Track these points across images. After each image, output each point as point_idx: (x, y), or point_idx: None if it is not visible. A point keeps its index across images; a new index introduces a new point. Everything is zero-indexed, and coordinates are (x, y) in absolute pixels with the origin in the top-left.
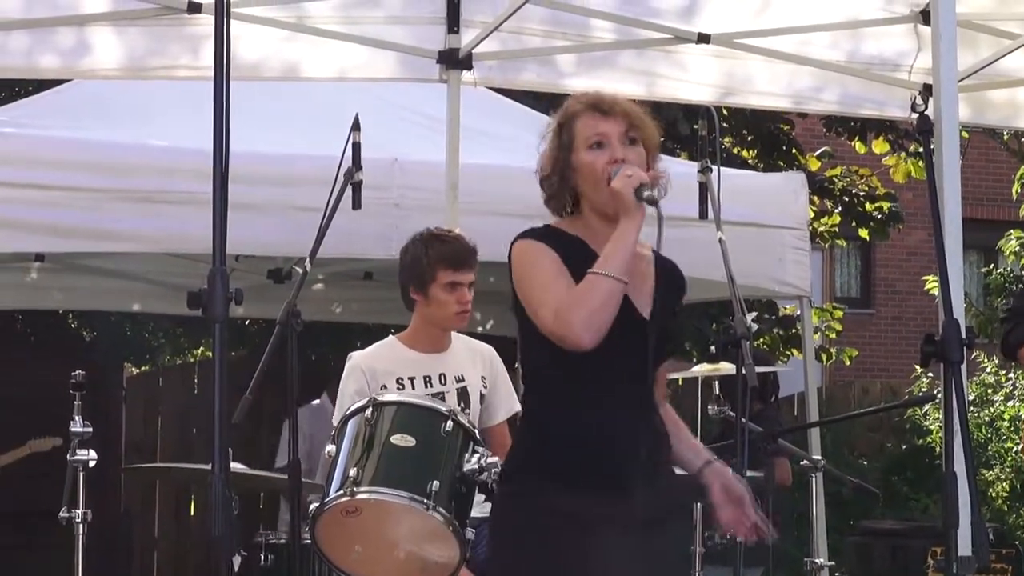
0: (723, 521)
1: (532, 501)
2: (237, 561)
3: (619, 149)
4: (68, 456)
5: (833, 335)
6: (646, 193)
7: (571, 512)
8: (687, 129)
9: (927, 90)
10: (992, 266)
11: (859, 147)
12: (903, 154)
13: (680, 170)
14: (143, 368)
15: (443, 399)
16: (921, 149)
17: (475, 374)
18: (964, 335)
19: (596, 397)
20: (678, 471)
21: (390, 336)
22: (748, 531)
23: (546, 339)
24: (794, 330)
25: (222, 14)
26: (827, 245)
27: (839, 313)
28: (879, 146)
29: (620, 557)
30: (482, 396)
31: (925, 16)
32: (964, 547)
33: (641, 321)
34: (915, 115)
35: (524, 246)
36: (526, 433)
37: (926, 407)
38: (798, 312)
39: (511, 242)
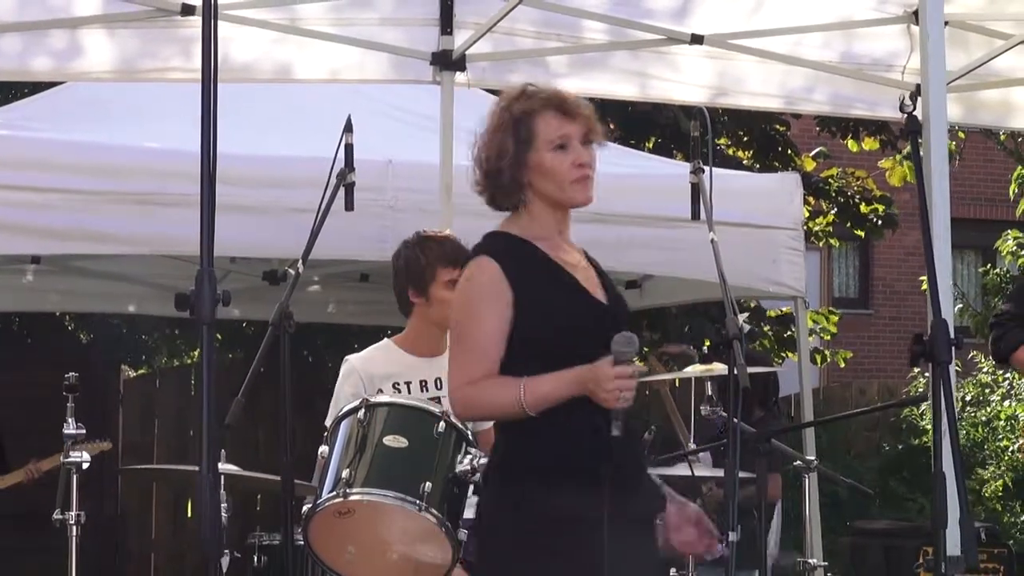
0: (679, 544)
1: (517, 502)
2: (225, 562)
3: (582, 152)
4: (61, 458)
5: (828, 337)
6: (615, 427)
7: (558, 510)
8: (688, 126)
9: (920, 91)
10: (989, 266)
11: (851, 145)
12: (898, 156)
13: (674, 171)
14: (140, 370)
15: (439, 403)
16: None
17: None
18: (952, 335)
19: (578, 401)
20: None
21: (385, 339)
22: (706, 546)
23: (524, 340)
24: (788, 333)
25: (210, 16)
26: (821, 244)
27: (835, 317)
28: (869, 143)
29: (606, 555)
30: None
31: (918, 16)
32: (953, 547)
33: (601, 306)
34: (904, 115)
35: (478, 270)
36: (507, 433)
37: (922, 407)
38: (794, 318)
39: (472, 251)
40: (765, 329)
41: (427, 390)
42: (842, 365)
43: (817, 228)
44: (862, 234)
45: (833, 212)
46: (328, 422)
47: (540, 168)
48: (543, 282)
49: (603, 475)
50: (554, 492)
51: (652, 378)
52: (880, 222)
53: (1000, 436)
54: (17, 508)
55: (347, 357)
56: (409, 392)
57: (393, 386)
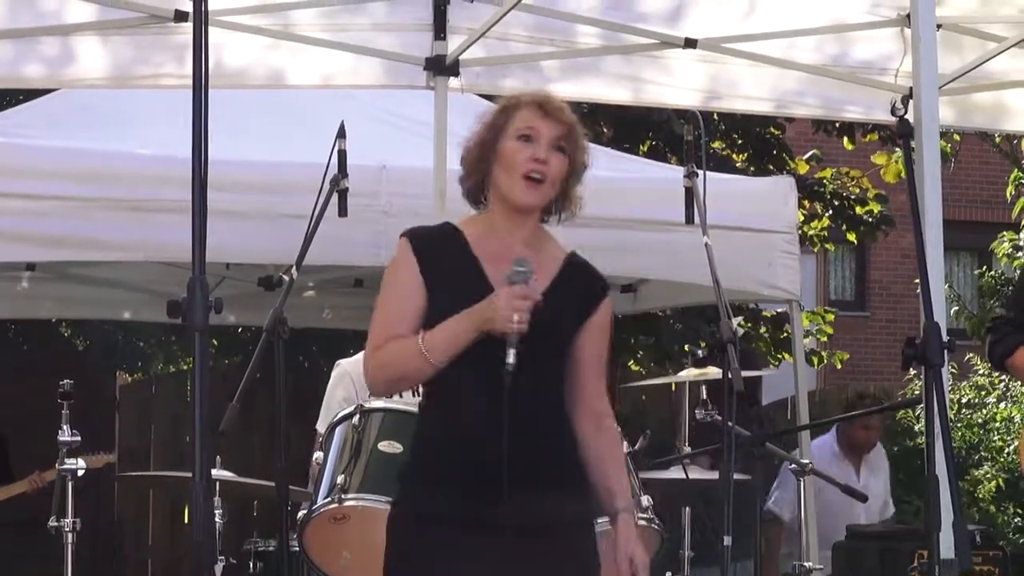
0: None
1: (404, 507)
2: (219, 568)
3: (544, 150)
4: (57, 465)
5: (824, 338)
6: (509, 362)
7: (431, 517)
8: (680, 128)
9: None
10: (985, 268)
11: (848, 144)
12: (895, 154)
13: (668, 175)
14: (136, 376)
15: None
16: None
17: None
18: (945, 338)
19: (459, 398)
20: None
21: None
22: None
23: (427, 326)
24: (784, 335)
25: (201, 22)
26: (816, 249)
27: (831, 316)
28: (869, 137)
29: (473, 563)
30: None
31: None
32: (947, 550)
33: None
34: (896, 119)
35: (398, 252)
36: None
37: (918, 409)
38: (789, 321)
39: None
40: (761, 331)
41: (418, 393)
42: (838, 366)
43: (812, 232)
44: (854, 237)
45: (828, 215)
46: (319, 426)
47: (501, 155)
48: (453, 274)
49: (468, 479)
50: (424, 496)
51: (648, 382)
52: (874, 222)
53: (995, 437)
54: (18, 515)
55: (339, 361)
56: (401, 396)
57: None
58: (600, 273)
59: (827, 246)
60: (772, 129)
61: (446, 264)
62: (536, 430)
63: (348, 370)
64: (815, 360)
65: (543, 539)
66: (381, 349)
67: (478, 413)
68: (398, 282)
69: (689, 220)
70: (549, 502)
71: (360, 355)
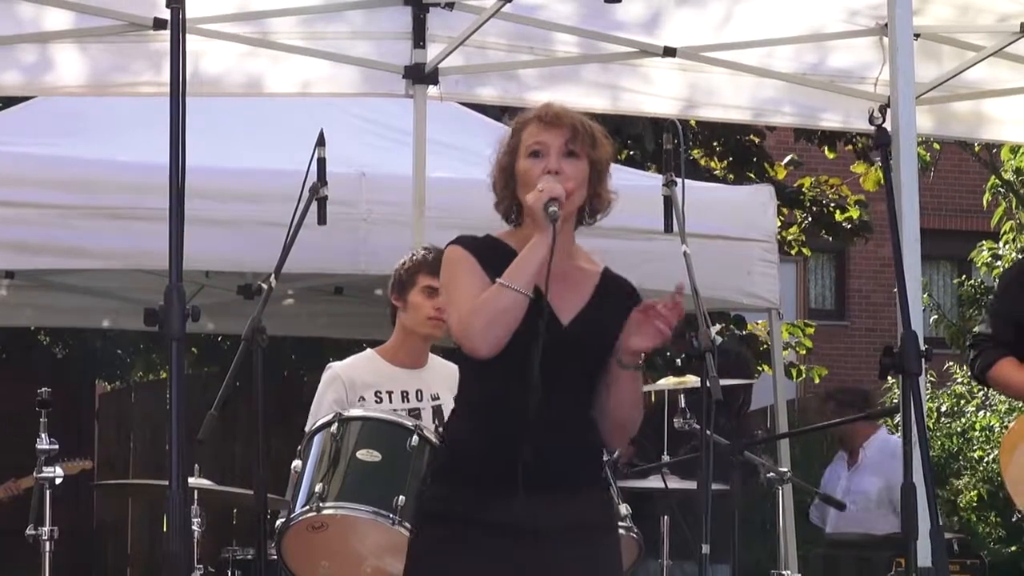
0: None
1: (436, 505)
2: None
3: (555, 160)
4: (34, 473)
5: (803, 351)
6: (551, 208)
7: (465, 516)
8: (652, 144)
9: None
10: (964, 277)
11: (829, 153)
12: (875, 163)
13: (646, 183)
14: (115, 384)
15: (419, 415)
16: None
17: (450, 395)
18: (923, 347)
19: (497, 401)
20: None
21: (368, 349)
22: (661, 325)
23: None
24: (764, 347)
25: (178, 29)
26: (794, 252)
27: (810, 330)
28: (847, 150)
29: (498, 563)
30: None
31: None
32: (924, 558)
33: (559, 328)
34: (874, 128)
35: (450, 252)
36: (444, 438)
37: (896, 418)
38: (768, 330)
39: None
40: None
41: (408, 401)
42: (816, 380)
43: (790, 237)
44: (831, 238)
45: (807, 221)
46: (308, 429)
47: (519, 176)
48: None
49: (497, 480)
50: (463, 495)
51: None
52: (854, 228)
53: (975, 447)
54: None
55: (330, 364)
56: (391, 402)
57: (375, 395)
58: (632, 286)
59: (804, 250)
60: (752, 136)
61: (499, 266)
62: (564, 434)
63: (339, 373)
64: (794, 373)
65: (564, 542)
66: (470, 307)
67: (507, 415)
68: (463, 269)
69: (668, 228)
70: (571, 505)
71: (351, 359)
